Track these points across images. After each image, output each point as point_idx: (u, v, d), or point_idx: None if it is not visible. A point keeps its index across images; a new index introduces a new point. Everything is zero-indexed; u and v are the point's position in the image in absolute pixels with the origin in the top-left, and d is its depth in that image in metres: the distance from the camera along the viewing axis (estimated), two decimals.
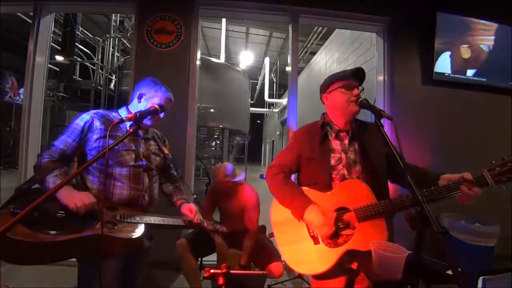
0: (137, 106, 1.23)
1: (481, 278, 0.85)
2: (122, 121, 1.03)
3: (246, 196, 1.95)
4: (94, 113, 1.17)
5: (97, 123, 1.14)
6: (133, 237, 1.03)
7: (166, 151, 1.32)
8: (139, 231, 1.07)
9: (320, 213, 1.04)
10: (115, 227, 1.02)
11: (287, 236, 1.14)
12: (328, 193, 1.11)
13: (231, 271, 0.88)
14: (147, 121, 1.21)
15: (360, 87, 1.15)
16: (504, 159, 0.89)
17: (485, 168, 0.91)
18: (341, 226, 1.07)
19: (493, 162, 0.91)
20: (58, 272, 2.04)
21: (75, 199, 0.98)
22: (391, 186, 1.21)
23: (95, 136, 1.12)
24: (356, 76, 1.15)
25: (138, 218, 1.11)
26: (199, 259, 1.95)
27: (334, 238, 1.07)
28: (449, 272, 0.88)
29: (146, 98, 1.22)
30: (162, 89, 1.23)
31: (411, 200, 0.97)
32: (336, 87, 1.15)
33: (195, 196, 1.49)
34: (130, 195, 1.15)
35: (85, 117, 1.15)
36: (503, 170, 0.88)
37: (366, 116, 1.27)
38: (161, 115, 1.21)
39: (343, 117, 1.17)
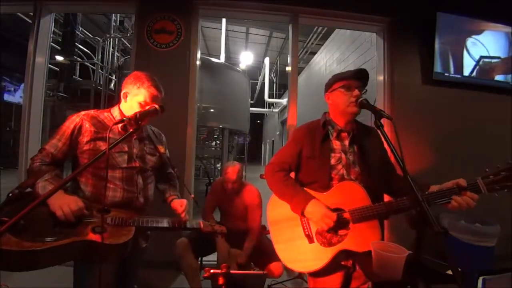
0: (124, 105, 1.17)
1: (481, 278, 0.85)
2: (120, 122, 1.00)
3: (249, 195, 1.96)
4: (83, 115, 1.13)
5: (87, 125, 1.10)
6: (123, 242, 1.00)
7: (162, 150, 1.27)
8: (130, 234, 1.03)
9: (323, 206, 1.06)
10: (105, 232, 0.98)
11: (283, 234, 1.16)
12: (324, 194, 1.11)
13: (231, 271, 0.88)
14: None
15: (363, 89, 1.14)
16: (499, 168, 0.90)
17: (481, 173, 0.92)
18: (336, 226, 1.07)
19: (487, 170, 0.92)
20: (59, 271, 2.03)
21: (62, 206, 0.94)
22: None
23: (85, 139, 1.09)
24: (357, 77, 1.14)
25: (130, 222, 1.07)
26: (199, 258, 1.95)
27: (328, 237, 1.07)
28: (449, 272, 0.88)
29: (130, 97, 1.15)
30: (145, 84, 1.14)
31: (406, 203, 0.97)
32: (337, 87, 1.16)
33: (193, 196, 1.47)
34: (124, 197, 1.11)
35: (74, 119, 1.12)
36: (496, 178, 0.89)
37: (366, 116, 1.27)
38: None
39: (343, 118, 1.18)
